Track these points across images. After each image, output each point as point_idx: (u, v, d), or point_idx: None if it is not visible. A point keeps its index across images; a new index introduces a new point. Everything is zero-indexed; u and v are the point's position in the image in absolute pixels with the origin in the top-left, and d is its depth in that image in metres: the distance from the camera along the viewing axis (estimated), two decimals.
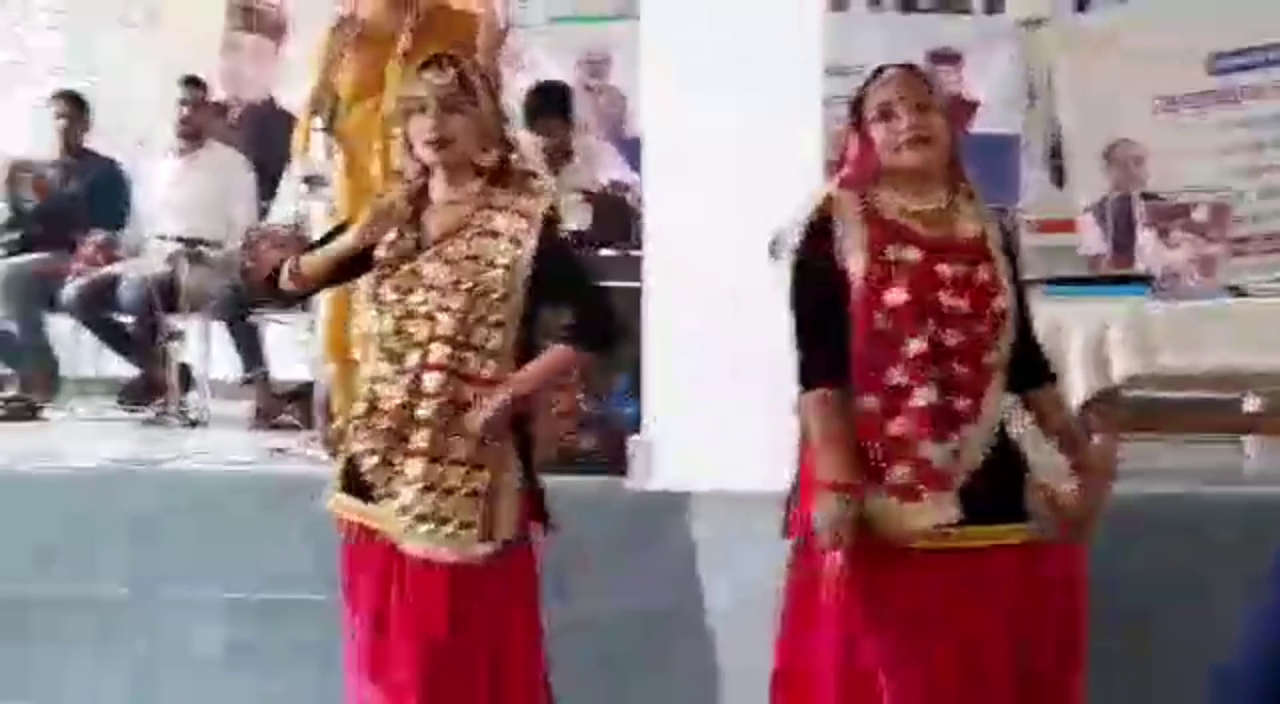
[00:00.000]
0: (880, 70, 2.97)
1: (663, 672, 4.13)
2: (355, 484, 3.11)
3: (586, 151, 6.25)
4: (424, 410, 3.03)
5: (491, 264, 3.05)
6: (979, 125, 7.18)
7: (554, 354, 3.15)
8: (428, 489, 3.02)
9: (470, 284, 3.04)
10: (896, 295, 2.83)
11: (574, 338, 3.16)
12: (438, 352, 3.03)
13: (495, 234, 3.07)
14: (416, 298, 3.05)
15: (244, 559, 4.33)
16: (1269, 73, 6.88)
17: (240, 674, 4.31)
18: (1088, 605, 2.92)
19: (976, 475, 2.83)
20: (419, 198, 3.14)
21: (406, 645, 3.04)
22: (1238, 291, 4.86)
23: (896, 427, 2.80)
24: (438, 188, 3.13)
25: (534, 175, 3.22)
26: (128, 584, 4.42)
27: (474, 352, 3.04)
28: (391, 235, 3.09)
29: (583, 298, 3.17)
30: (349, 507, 3.13)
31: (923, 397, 2.80)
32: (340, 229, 3.25)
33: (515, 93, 6.18)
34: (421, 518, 3.02)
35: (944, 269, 2.85)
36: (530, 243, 3.07)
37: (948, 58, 7.47)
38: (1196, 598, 3.86)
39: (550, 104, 6.08)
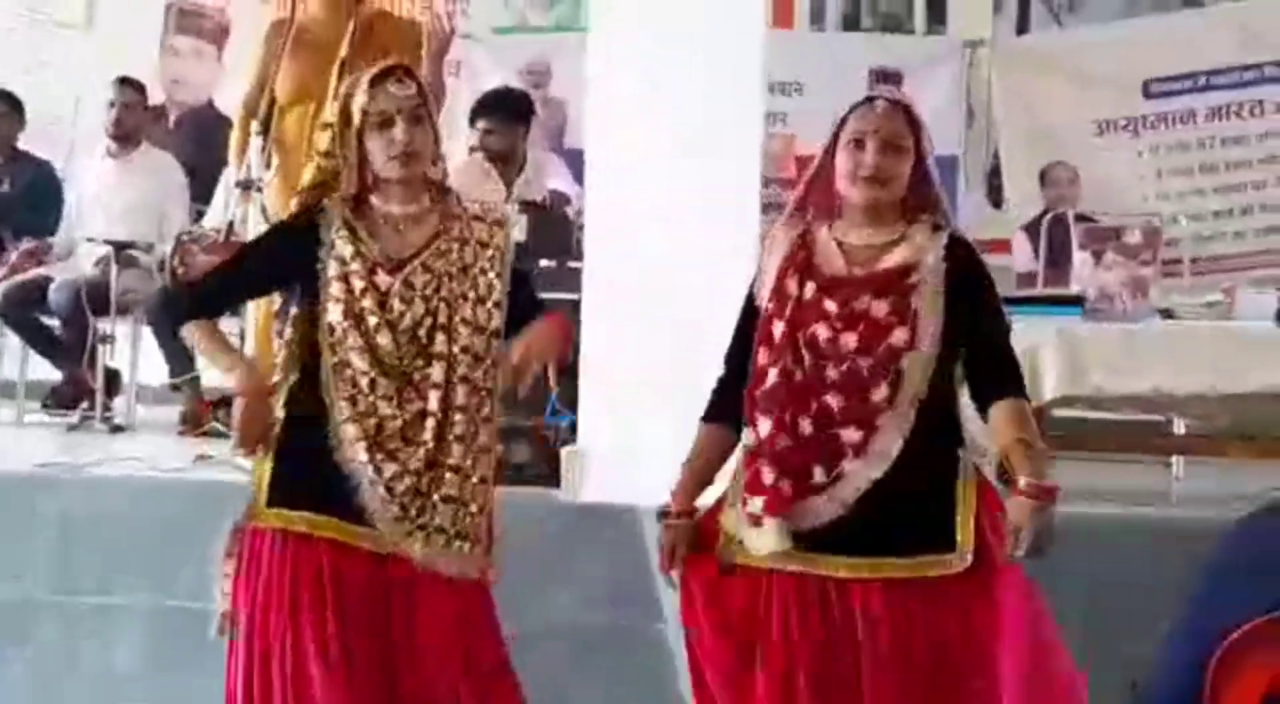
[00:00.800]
0: (870, 100, 2.96)
1: (600, 688, 4.11)
2: (331, 503, 2.97)
3: (533, 162, 6.20)
4: (458, 425, 2.99)
5: (484, 272, 3.05)
6: None
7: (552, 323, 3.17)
8: (461, 504, 2.99)
9: (474, 294, 3.03)
10: (778, 328, 2.89)
11: None
12: (464, 363, 3.00)
13: (484, 244, 3.07)
14: (419, 309, 3.00)
15: (168, 566, 4.27)
16: (1203, 98, 6.98)
17: (162, 682, 4.25)
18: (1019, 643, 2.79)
19: (860, 508, 2.82)
20: (355, 211, 3.05)
21: (431, 667, 2.99)
22: (1168, 314, 4.91)
23: (760, 460, 2.86)
24: (392, 204, 3.05)
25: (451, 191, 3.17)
26: (50, 589, 4.36)
27: (481, 362, 3.03)
28: (348, 250, 3.00)
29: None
30: (327, 526, 2.98)
31: (778, 430, 2.84)
32: (231, 265, 3.25)
33: (461, 102, 6.16)
34: (458, 535, 2.98)
35: (830, 304, 2.88)
36: (509, 255, 3.10)
37: (889, 77, 7.51)
38: (1123, 619, 3.88)
39: (506, 110, 6.00)
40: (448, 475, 2.98)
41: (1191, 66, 7.05)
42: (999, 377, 2.93)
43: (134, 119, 6.36)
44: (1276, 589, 1.89)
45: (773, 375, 2.87)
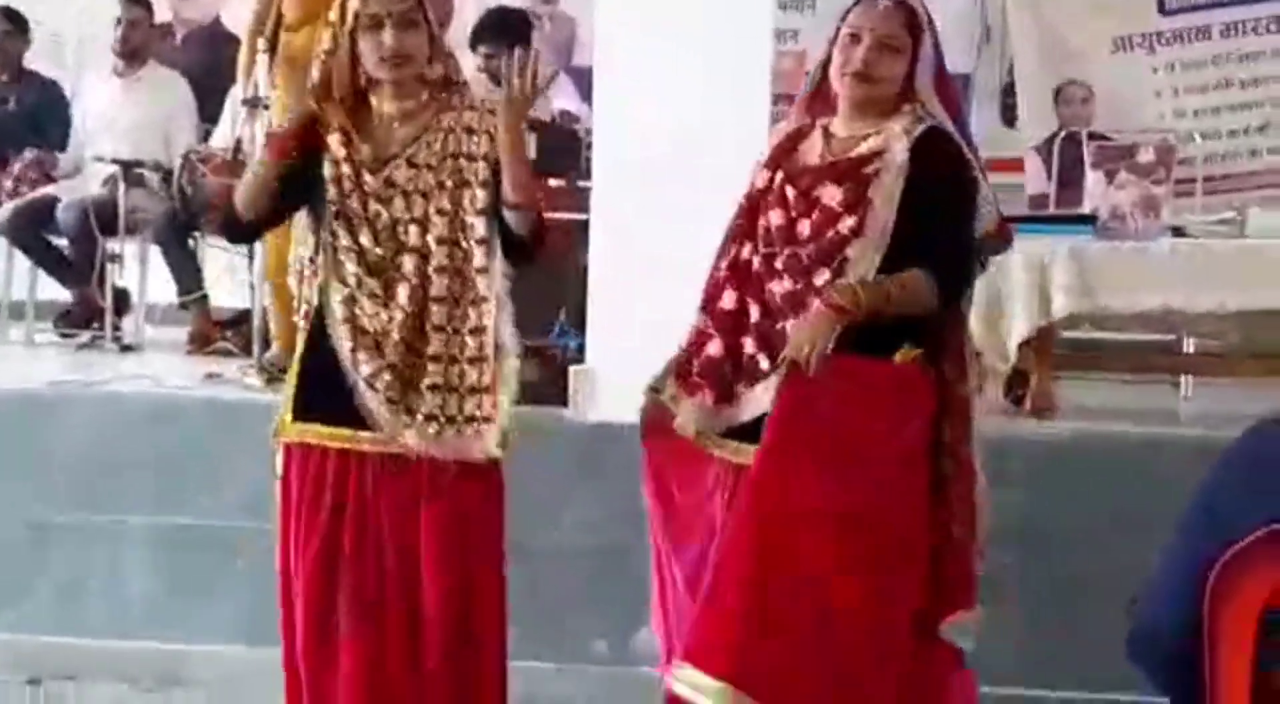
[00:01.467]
0: None
1: (603, 606, 4.14)
2: (340, 412, 3.02)
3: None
4: (435, 315, 3.03)
5: (471, 157, 3.07)
6: None
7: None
8: (449, 391, 3.02)
9: (454, 181, 3.05)
10: (738, 218, 2.97)
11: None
12: (439, 254, 3.04)
13: (470, 130, 3.08)
14: (399, 206, 3.04)
15: (177, 483, 4.29)
16: (1219, 14, 6.88)
17: (168, 600, 4.29)
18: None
19: None
20: (355, 114, 3.08)
21: (435, 560, 3.03)
22: (1180, 233, 4.87)
23: (690, 347, 2.98)
24: (385, 103, 3.09)
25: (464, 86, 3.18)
26: (60, 507, 4.39)
27: (463, 247, 3.05)
28: (341, 151, 3.05)
29: None
30: (336, 436, 3.03)
31: (712, 320, 2.93)
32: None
33: (468, 17, 6.10)
34: (449, 420, 3.01)
35: (790, 192, 2.90)
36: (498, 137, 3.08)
37: None
38: (1131, 538, 3.88)
39: (505, 30, 5.96)
40: (430, 366, 3.02)
41: None
42: (924, 265, 2.84)
43: (140, 37, 6.30)
44: (1276, 501, 1.89)
45: (721, 266, 2.95)
